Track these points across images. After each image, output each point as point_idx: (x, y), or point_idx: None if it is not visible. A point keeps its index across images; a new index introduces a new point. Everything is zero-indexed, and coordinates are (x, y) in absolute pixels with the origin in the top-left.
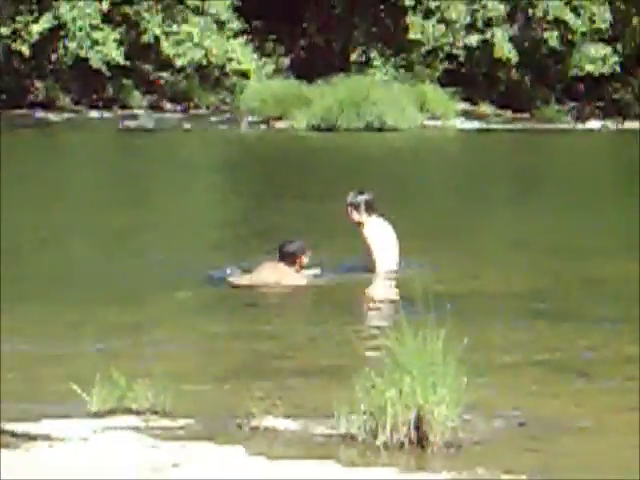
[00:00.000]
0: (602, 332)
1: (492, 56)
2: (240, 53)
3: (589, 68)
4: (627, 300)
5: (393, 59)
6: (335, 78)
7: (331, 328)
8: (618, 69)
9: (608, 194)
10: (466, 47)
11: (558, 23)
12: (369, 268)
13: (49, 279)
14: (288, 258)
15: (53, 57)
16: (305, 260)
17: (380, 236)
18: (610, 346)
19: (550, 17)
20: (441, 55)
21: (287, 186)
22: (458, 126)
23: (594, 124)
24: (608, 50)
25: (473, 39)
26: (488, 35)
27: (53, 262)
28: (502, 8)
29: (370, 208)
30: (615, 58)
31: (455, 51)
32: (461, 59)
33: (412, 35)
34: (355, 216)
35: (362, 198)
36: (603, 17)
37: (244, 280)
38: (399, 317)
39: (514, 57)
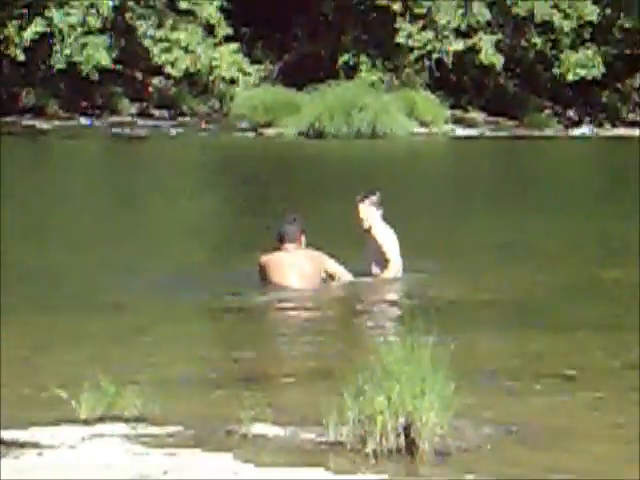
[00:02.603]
0: (591, 338)
1: (478, 62)
2: (229, 60)
3: (577, 72)
4: (615, 306)
5: (382, 65)
6: (324, 85)
7: (320, 335)
8: (602, 69)
9: (596, 201)
10: (453, 52)
11: (545, 25)
12: (369, 272)
13: (37, 286)
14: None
15: (43, 64)
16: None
17: (390, 237)
18: (599, 353)
19: (537, 20)
20: (429, 62)
21: (276, 193)
22: (449, 133)
23: (583, 130)
24: (593, 52)
25: (460, 44)
26: (475, 40)
27: (41, 268)
28: (488, 13)
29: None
30: (599, 59)
31: (444, 57)
32: (449, 65)
33: (399, 39)
34: (370, 214)
35: (377, 197)
36: (590, 11)
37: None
38: (388, 324)
39: (499, 62)
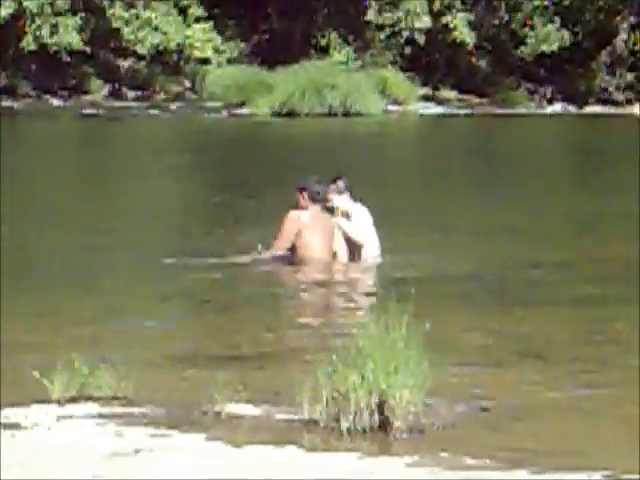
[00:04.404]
0: (565, 315)
1: (451, 40)
2: (202, 38)
3: (546, 47)
4: (590, 282)
5: (353, 44)
6: (296, 64)
7: (293, 313)
8: (569, 41)
9: (567, 178)
10: (425, 31)
11: (515, 4)
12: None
13: (10, 266)
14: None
15: (14, 45)
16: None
17: (364, 219)
18: (573, 329)
19: None
20: (401, 40)
21: (248, 172)
22: (420, 111)
23: (556, 108)
24: (560, 26)
25: (429, 23)
26: (449, 18)
27: (14, 250)
28: None
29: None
30: (565, 33)
31: (416, 35)
32: (420, 44)
33: (369, 17)
34: (335, 202)
35: (342, 182)
36: None
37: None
38: (363, 302)
39: (471, 40)
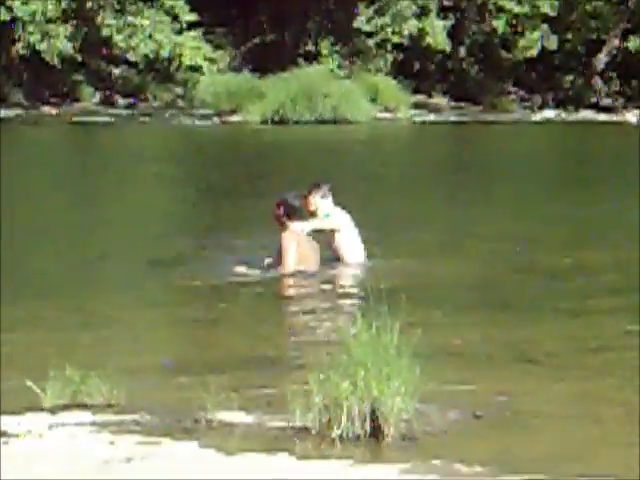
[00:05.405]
0: (557, 321)
1: (427, 46)
2: (192, 46)
3: (534, 52)
4: (581, 289)
5: (345, 50)
6: (287, 72)
7: (285, 321)
8: (555, 45)
9: (559, 184)
10: (412, 37)
11: (503, 11)
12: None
13: (3, 273)
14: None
15: (5, 52)
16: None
17: (345, 227)
18: (565, 335)
19: (491, 6)
20: (391, 46)
21: (240, 179)
22: (412, 119)
23: (548, 114)
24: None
25: (415, 29)
26: (427, 23)
27: (8, 256)
28: None
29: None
30: (553, 38)
31: (405, 42)
32: (411, 50)
33: (357, 24)
34: (320, 205)
35: (326, 188)
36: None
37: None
38: (354, 309)
39: (447, 47)
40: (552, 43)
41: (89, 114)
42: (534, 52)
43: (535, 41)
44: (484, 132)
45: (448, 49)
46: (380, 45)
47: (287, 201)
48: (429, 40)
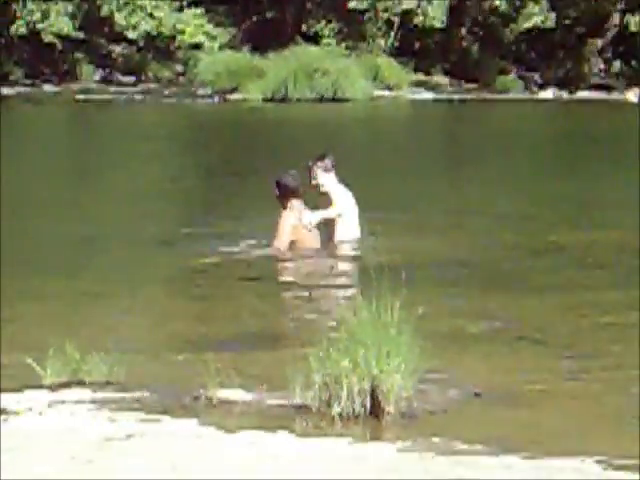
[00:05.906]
0: (558, 301)
1: (421, 24)
2: (194, 23)
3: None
4: (583, 268)
5: (345, 29)
6: (287, 50)
7: (285, 299)
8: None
9: (558, 163)
10: (405, 14)
11: None
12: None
13: (2, 250)
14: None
15: (6, 31)
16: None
17: (346, 202)
18: (565, 314)
19: None
20: (386, 26)
21: (240, 157)
22: (410, 96)
23: (548, 93)
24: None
25: (410, 4)
26: (424, 3)
27: (7, 233)
28: None
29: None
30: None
31: (394, 19)
32: (411, 29)
33: (351, 3)
34: (322, 178)
35: (329, 160)
36: None
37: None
38: (354, 288)
39: (441, 25)
40: (550, 20)
41: (89, 92)
42: (532, 23)
43: (533, 15)
44: (484, 110)
45: (439, 25)
46: (376, 22)
47: (281, 181)
48: (421, 18)
